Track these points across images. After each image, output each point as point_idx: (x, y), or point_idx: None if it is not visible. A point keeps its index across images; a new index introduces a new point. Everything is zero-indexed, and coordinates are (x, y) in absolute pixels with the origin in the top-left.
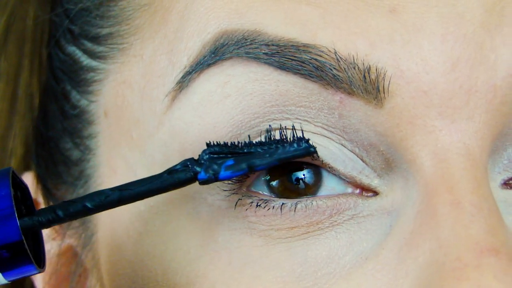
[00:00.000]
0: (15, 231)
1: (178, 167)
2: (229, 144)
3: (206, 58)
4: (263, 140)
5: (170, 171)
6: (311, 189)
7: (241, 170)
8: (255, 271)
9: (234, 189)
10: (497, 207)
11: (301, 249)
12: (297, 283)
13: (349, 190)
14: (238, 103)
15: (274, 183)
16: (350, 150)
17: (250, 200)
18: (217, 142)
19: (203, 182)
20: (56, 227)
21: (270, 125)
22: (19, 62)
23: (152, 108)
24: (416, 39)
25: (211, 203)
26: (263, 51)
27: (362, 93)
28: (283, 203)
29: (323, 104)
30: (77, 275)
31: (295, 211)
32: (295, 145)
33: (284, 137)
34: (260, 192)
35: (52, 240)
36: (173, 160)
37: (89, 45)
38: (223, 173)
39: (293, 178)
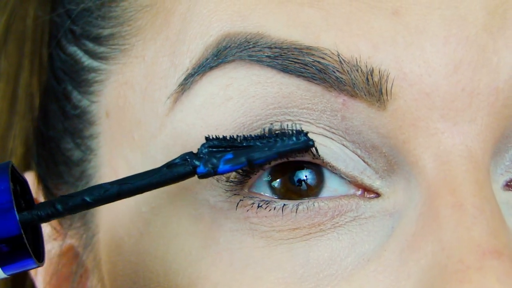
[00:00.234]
0: (14, 225)
1: (177, 161)
2: (228, 138)
3: (208, 60)
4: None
5: (169, 165)
6: (313, 191)
7: (240, 163)
8: (257, 272)
9: (236, 190)
10: (500, 209)
11: (303, 250)
12: (299, 285)
13: (351, 191)
14: (240, 106)
15: (276, 184)
16: (351, 151)
17: (252, 201)
18: (216, 136)
19: (202, 176)
20: (58, 227)
21: (271, 124)
22: (19, 62)
23: (154, 110)
24: (419, 41)
25: (213, 205)
26: (266, 54)
27: (365, 95)
28: (284, 204)
29: (326, 106)
30: (78, 276)
31: (296, 212)
32: (294, 138)
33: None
34: (262, 193)
35: (53, 241)
36: None
37: (90, 45)
38: (222, 166)
39: (295, 179)
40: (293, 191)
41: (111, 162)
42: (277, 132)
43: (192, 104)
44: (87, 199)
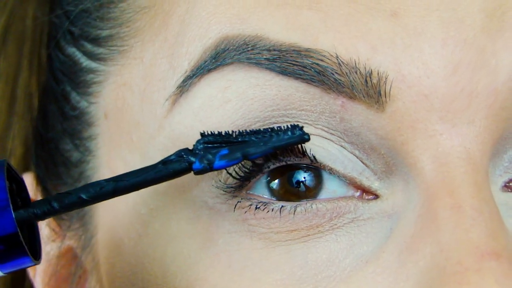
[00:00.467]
0: (10, 223)
1: (172, 157)
2: (223, 134)
3: (207, 63)
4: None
5: (165, 162)
6: (311, 192)
7: (236, 159)
8: (255, 274)
9: (234, 192)
10: (498, 210)
11: (301, 252)
12: (297, 286)
13: (350, 192)
14: (239, 108)
15: (274, 186)
16: (350, 152)
17: (249, 203)
18: (211, 132)
19: (198, 172)
20: (56, 228)
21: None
22: (18, 62)
23: (153, 111)
24: (417, 43)
25: (211, 206)
26: (265, 57)
27: (364, 97)
28: (282, 206)
29: (324, 108)
30: (77, 277)
31: (294, 214)
32: (289, 133)
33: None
34: (260, 195)
35: (52, 242)
36: None
37: (89, 46)
38: (217, 162)
39: (294, 181)
40: (292, 192)
41: (109, 163)
42: (271, 127)
43: (190, 106)
44: (83, 196)
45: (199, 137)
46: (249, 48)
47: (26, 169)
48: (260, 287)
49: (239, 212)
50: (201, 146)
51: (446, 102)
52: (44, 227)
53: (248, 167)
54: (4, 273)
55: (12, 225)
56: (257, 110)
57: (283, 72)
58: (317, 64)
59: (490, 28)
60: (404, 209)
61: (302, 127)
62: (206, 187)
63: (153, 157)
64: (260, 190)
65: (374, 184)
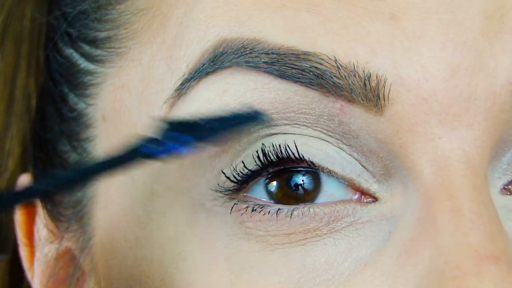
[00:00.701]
0: None
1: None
2: (191, 122)
3: (205, 66)
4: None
5: (122, 151)
6: (310, 195)
7: (186, 141)
8: (253, 277)
9: (231, 194)
10: (497, 214)
11: (299, 255)
12: None
13: (349, 195)
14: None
15: (273, 189)
16: (348, 154)
17: (246, 205)
18: (178, 120)
19: (148, 156)
20: (54, 230)
21: (263, 144)
22: (16, 63)
23: (151, 113)
24: (416, 46)
25: (209, 209)
26: (263, 60)
27: (363, 100)
28: (279, 209)
29: (323, 111)
30: (75, 278)
31: (291, 217)
32: (245, 114)
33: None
34: (258, 198)
35: (50, 244)
36: (172, 167)
37: (86, 48)
38: (169, 145)
39: (292, 183)
40: (290, 195)
41: None
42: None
43: (188, 109)
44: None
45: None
46: (247, 52)
47: (24, 169)
48: None
49: (235, 215)
50: (165, 132)
51: (445, 106)
52: (42, 229)
53: (246, 171)
54: None
55: None
56: None
57: (282, 75)
58: (316, 67)
59: (489, 31)
60: (402, 212)
61: (261, 113)
62: (204, 189)
63: None
64: (258, 193)
65: (372, 186)
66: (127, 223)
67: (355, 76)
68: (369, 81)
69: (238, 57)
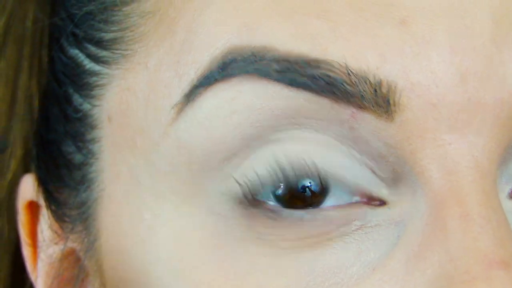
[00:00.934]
0: None
1: None
2: None
3: (213, 73)
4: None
5: None
6: (318, 197)
7: None
8: (260, 280)
9: (241, 198)
10: (506, 218)
11: (309, 259)
12: None
13: (357, 198)
14: (246, 118)
15: (280, 191)
16: (358, 160)
17: (256, 210)
18: None
19: None
20: (59, 231)
21: (274, 150)
22: (18, 64)
23: (157, 118)
24: (426, 51)
25: (217, 212)
26: (273, 68)
27: (373, 107)
28: (290, 214)
29: (334, 117)
30: (79, 280)
31: (302, 221)
32: None
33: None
34: (266, 201)
35: (55, 245)
36: (180, 171)
37: (92, 49)
38: None
39: (299, 186)
40: (298, 198)
41: (113, 167)
42: None
43: (195, 115)
44: None
45: (205, 146)
46: (257, 59)
47: (26, 170)
48: None
49: (245, 219)
50: None
51: (454, 111)
52: (46, 229)
53: (255, 175)
54: None
55: None
56: (265, 120)
57: (293, 83)
58: (327, 74)
59: (498, 37)
60: (411, 217)
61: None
62: (212, 193)
63: (158, 164)
64: (266, 195)
65: (381, 191)
66: (133, 226)
67: (366, 82)
68: (379, 87)
69: (247, 65)
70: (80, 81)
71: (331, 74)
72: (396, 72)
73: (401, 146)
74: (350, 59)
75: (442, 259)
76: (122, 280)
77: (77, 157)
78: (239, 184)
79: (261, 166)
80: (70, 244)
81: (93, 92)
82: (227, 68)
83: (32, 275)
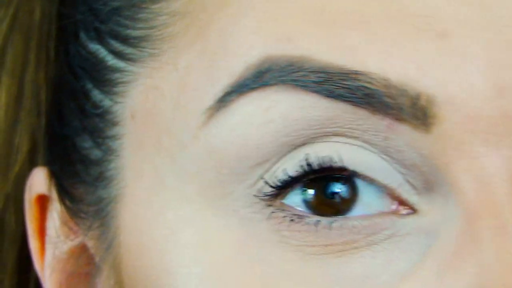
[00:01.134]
0: None
1: None
2: None
3: (248, 81)
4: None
5: None
6: (346, 204)
7: None
8: (288, 286)
9: (268, 201)
10: None
11: (336, 266)
12: None
13: (386, 205)
14: (283, 128)
15: (309, 196)
16: (390, 164)
17: (284, 214)
18: None
19: None
20: (75, 227)
21: (307, 154)
22: (25, 57)
23: (186, 120)
24: (464, 64)
25: (242, 216)
26: (311, 79)
27: (411, 119)
28: (318, 220)
29: (369, 127)
30: (91, 276)
31: (330, 229)
32: None
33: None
34: (294, 206)
35: (68, 240)
36: (208, 174)
37: (117, 45)
38: None
39: (329, 191)
40: (326, 203)
41: (135, 165)
42: None
43: (228, 121)
44: None
45: (238, 151)
46: (294, 70)
47: (32, 165)
48: None
49: (272, 223)
50: None
51: (491, 125)
52: (58, 224)
53: (286, 177)
54: None
55: None
56: (302, 129)
57: (330, 95)
58: (366, 86)
59: None
60: (442, 226)
61: None
62: (239, 196)
63: (185, 165)
64: (294, 199)
65: (412, 197)
66: (156, 226)
67: (404, 95)
68: (418, 100)
69: (284, 75)
70: (101, 77)
71: (369, 86)
72: (435, 85)
73: (435, 157)
74: (389, 72)
75: (476, 270)
76: (143, 279)
77: (95, 153)
78: (269, 185)
79: (292, 167)
80: (83, 240)
81: (115, 89)
82: (263, 76)
83: (38, 270)
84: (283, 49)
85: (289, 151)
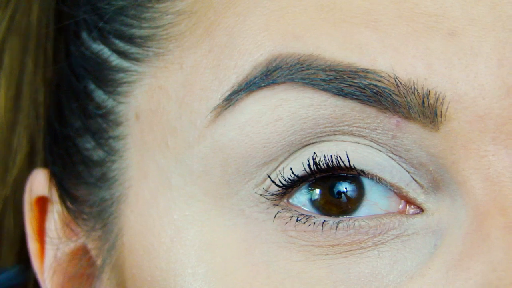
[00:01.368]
0: None
1: None
2: None
3: (257, 79)
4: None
5: None
6: (353, 203)
7: None
8: (294, 287)
9: (274, 201)
10: None
11: (342, 266)
12: None
13: (393, 205)
14: (290, 126)
15: (315, 196)
16: (398, 163)
17: (290, 214)
18: None
19: None
20: (77, 229)
21: (315, 153)
22: (23, 59)
23: (192, 120)
24: (474, 63)
25: (248, 215)
26: (321, 77)
27: (420, 117)
28: (324, 221)
29: (378, 125)
30: (92, 277)
31: (336, 229)
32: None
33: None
34: (300, 206)
35: (69, 241)
36: (214, 174)
37: (121, 45)
38: None
39: (335, 191)
40: (333, 203)
41: (140, 166)
42: None
43: (236, 120)
44: None
45: (245, 150)
46: (303, 68)
47: (31, 166)
48: None
49: (278, 223)
50: None
51: (499, 124)
52: (58, 225)
53: (293, 176)
54: None
55: None
56: (310, 128)
57: (339, 93)
58: (375, 85)
59: None
60: (450, 225)
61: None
62: (245, 196)
63: (191, 165)
64: (300, 199)
65: (420, 197)
66: (161, 226)
67: (413, 93)
68: (427, 98)
69: (293, 73)
70: (104, 77)
71: (379, 84)
72: (444, 83)
73: (443, 155)
74: (399, 70)
75: (485, 269)
76: (148, 280)
77: (98, 154)
78: (275, 184)
79: (299, 166)
80: (84, 241)
81: (119, 89)
82: (271, 75)
83: (37, 271)
84: (292, 47)
85: (296, 150)
